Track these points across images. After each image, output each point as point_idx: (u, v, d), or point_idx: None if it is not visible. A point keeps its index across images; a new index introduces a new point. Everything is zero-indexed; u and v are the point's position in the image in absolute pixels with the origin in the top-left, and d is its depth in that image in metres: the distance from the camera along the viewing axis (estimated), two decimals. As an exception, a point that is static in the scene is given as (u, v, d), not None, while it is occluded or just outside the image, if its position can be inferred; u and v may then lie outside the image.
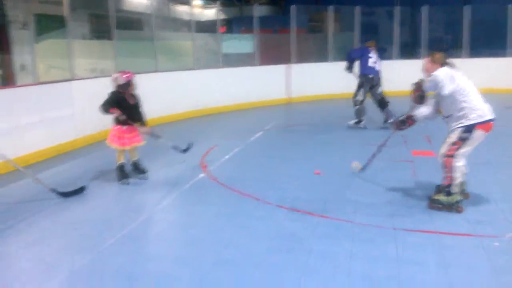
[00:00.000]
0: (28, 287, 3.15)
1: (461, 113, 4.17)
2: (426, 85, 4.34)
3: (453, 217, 4.22)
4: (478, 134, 4.16)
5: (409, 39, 15.51)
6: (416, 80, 4.47)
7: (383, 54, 10.38)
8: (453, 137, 4.23)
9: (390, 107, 8.51)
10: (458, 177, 4.25)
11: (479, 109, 4.16)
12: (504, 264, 3.36)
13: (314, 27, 16.09)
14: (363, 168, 5.39)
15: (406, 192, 4.94)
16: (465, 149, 4.21)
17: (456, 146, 4.20)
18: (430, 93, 4.41)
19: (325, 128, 8.93)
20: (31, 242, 3.91)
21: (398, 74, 12.60)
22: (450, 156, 4.22)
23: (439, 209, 4.32)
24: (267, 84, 11.82)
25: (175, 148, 5.92)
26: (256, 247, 3.70)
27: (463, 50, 13.31)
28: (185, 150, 6.02)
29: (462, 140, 4.18)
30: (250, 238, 3.90)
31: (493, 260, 3.40)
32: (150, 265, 3.50)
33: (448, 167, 4.25)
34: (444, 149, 4.28)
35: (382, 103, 8.59)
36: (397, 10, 13.47)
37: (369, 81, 8.49)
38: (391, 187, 5.05)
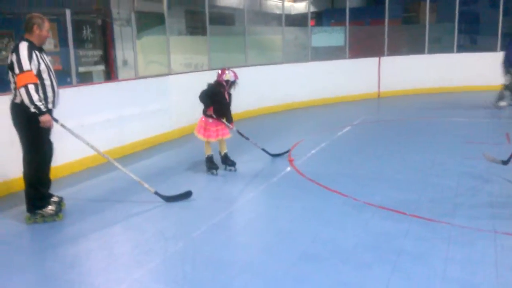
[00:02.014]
0: (124, 271, 3.35)
1: None
2: None
3: None
4: None
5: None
6: None
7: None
8: None
9: None
10: None
11: None
12: None
13: (409, 18, 15.40)
14: (507, 161, 4.89)
15: (507, 193, 4.59)
16: None
17: None
18: None
19: (416, 124, 8.55)
20: (127, 228, 4.18)
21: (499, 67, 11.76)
22: None
23: None
24: (356, 77, 11.55)
25: (264, 150, 6.06)
26: (343, 243, 3.65)
27: None
28: (278, 155, 6.15)
29: None
30: (337, 233, 3.86)
31: None
32: (238, 253, 3.60)
33: None
34: None
35: None
36: (502, -3, 12.45)
37: None
38: (492, 188, 4.71)
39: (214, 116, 5.49)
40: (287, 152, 6.29)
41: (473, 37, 14.18)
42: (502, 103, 8.74)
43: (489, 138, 6.78)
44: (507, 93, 8.65)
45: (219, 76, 5.55)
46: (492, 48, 12.36)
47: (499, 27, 12.32)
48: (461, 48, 12.53)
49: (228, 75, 5.50)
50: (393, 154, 6.37)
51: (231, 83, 5.53)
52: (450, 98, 11.38)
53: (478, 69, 11.90)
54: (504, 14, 12.38)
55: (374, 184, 5.08)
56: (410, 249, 3.52)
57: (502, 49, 12.34)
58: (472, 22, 14.09)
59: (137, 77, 7.35)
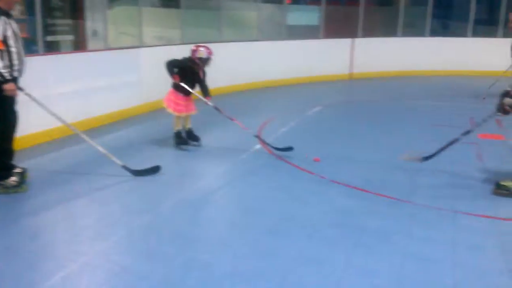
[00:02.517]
0: (87, 244, 3.32)
1: None
2: None
3: (519, 204, 4.02)
4: None
5: (485, 16, 14.51)
6: None
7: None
8: None
9: None
10: None
11: None
12: None
13: (384, 0, 15.43)
14: (427, 158, 4.74)
15: (469, 175, 4.74)
16: None
17: None
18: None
19: (386, 106, 8.67)
20: (92, 201, 4.12)
21: (472, 54, 11.99)
22: None
23: (504, 195, 4.11)
24: (330, 58, 11.57)
25: (257, 137, 5.79)
26: (309, 220, 3.71)
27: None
28: (279, 149, 5.53)
29: None
30: (303, 210, 3.91)
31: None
32: (205, 229, 3.61)
33: None
34: None
35: None
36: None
37: None
38: (453, 170, 4.85)
39: (182, 84, 5.39)
40: (289, 149, 5.46)
41: (445, 22, 14.36)
42: None
43: (453, 122, 6.94)
44: None
45: (193, 52, 5.46)
46: (462, 34, 12.57)
47: (471, 13, 12.51)
48: (433, 33, 12.69)
49: (202, 52, 5.41)
50: (362, 134, 6.47)
51: (205, 60, 5.45)
52: (419, 81, 11.57)
53: (448, 54, 12.10)
54: (477, 1, 12.56)
55: (341, 163, 5.16)
56: (373, 226, 3.60)
57: (474, 35, 12.58)
58: (445, 7, 14.24)
59: (107, 48, 7.17)
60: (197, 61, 5.43)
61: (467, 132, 4.49)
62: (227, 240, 3.41)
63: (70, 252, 3.19)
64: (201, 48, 5.45)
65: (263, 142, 5.67)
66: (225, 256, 3.15)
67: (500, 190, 4.17)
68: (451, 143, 4.58)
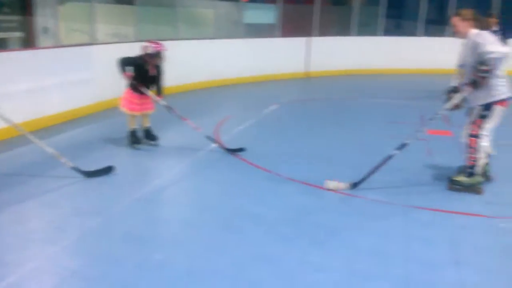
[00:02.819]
0: (37, 248, 3.21)
1: (488, 86, 4.00)
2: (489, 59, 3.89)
3: (466, 197, 4.18)
4: (497, 110, 4.08)
5: (436, 16, 15.02)
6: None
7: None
8: (474, 116, 4.15)
9: None
10: (482, 158, 4.18)
11: (502, 86, 4.05)
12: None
13: (339, -1, 15.70)
14: (357, 184, 4.34)
15: (420, 170, 4.89)
16: (487, 126, 4.12)
17: (477, 125, 4.12)
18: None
19: (342, 104, 8.83)
20: (42, 204, 3.98)
21: (424, 52, 12.36)
22: (474, 136, 4.13)
23: (458, 190, 4.25)
24: (286, 56, 11.64)
25: (209, 138, 5.68)
26: (264, 217, 3.73)
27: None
28: (231, 150, 5.50)
29: (483, 118, 4.10)
30: (259, 208, 3.92)
31: (501, 241, 3.36)
32: (159, 228, 3.56)
33: (472, 147, 4.16)
34: (468, 129, 4.19)
35: None
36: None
37: None
38: (405, 165, 4.99)
39: (134, 82, 5.30)
40: (241, 150, 5.47)
41: (398, 21, 14.76)
42: None
43: (406, 119, 7.15)
44: None
45: (142, 50, 5.36)
46: (414, 33, 12.96)
47: (422, 13, 12.91)
48: (386, 32, 13.02)
49: (148, 48, 5.29)
50: (318, 132, 6.55)
51: (153, 55, 5.33)
52: (373, 79, 11.84)
53: (401, 52, 12.44)
54: (428, 1, 12.98)
55: (297, 161, 5.21)
56: (327, 222, 3.66)
57: (424, 34, 12.99)
58: (398, 7, 14.63)
59: (58, 45, 6.95)
60: (146, 57, 5.33)
61: (402, 146, 4.37)
62: (182, 239, 3.38)
63: (19, 257, 3.07)
64: (148, 43, 5.34)
65: (216, 142, 5.66)
66: (180, 255, 3.13)
67: (454, 185, 4.30)
68: (383, 162, 4.34)
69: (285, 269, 2.98)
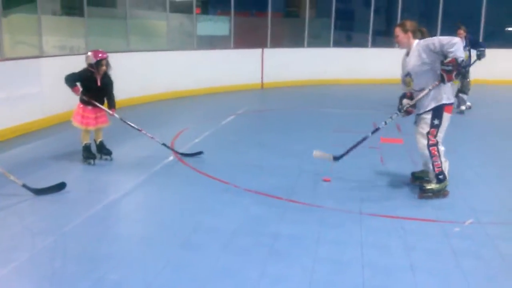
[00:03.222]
0: (-13, 269, 3.06)
1: (435, 90, 4.19)
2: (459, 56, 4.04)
3: (417, 203, 4.33)
4: (445, 117, 4.25)
5: (384, 27, 15.59)
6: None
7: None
8: (426, 127, 4.28)
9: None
10: (444, 161, 4.34)
11: (448, 91, 4.27)
12: (465, 248, 3.45)
13: (291, 12, 16.01)
14: (338, 158, 4.80)
15: (375, 178, 5.01)
16: (441, 134, 4.29)
17: (433, 135, 4.26)
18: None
19: (295, 114, 8.95)
20: (-9, 222, 3.80)
21: (372, 63, 12.76)
22: (433, 145, 4.27)
23: (429, 197, 4.36)
24: (241, 68, 11.70)
25: (165, 145, 5.70)
26: (222, 230, 3.70)
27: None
28: (188, 155, 5.65)
29: (436, 127, 4.25)
30: (217, 221, 3.89)
31: (454, 245, 3.48)
32: (115, 246, 3.46)
33: (435, 155, 4.28)
34: (425, 141, 4.29)
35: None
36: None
37: None
38: (360, 173, 5.11)
39: (86, 99, 5.17)
40: (199, 154, 5.65)
41: (348, 33, 15.21)
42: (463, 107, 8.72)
43: (356, 127, 7.31)
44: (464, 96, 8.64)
45: (85, 61, 5.23)
46: (364, 44, 13.37)
47: (370, 25, 13.35)
48: (337, 43, 13.36)
49: (89, 58, 5.15)
50: (273, 142, 6.60)
51: (96, 64, 5.17)
52: (325, 90, 12.08)
53: (351, 63, 12.78)
54: (375, 13, 13.44)
55: (254, 171, 5.22)
56: (286, 232, 3.68)
57: (372, 45, 13.42)
58: (347, 19, 15.08)
59: (3, 58, 6.68)
60: (91, 68, 5.20)
61: (375, 130, 4.69)
62: (138, 257, 3.29)
63: (-38, 282, 2.90)
64: (88, 53, 5.21)
65: (172, 150, 5.62)
66: (137, 274, 3.04)
67: (425, 193, 4.37)
68: (360, 141, 4.71)
69: (246, 282, 2.96)
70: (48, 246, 3.39)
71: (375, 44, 13.48)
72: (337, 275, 3.06)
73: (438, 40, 4.08)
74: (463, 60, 4.10)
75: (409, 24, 4.34)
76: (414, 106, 4.43)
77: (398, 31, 4.36)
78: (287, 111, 9.24)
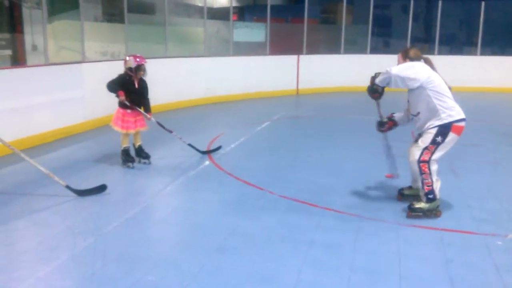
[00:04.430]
0: (27, 269, 3.16)
1: (432, 112, 3.98)
2: (379, 78, 4.24)
3: (457, 214, 4.21)
4: (450, 137, 3.98)
5: (423, 34, 15.33)
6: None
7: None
8: (426, 141, 4.04)
9: None
10: (436, 181, 4.10)
11: (451, 108, 3.97)
12: (507, 263, 3.34)
13: (327, 18, 15.96)
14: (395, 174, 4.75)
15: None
16: (439, 154, 4.03)
17: (429, 151, 4.01)
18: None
19: (332, 121, 8.90)
20: (33, 223, 3.93)
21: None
22: (424, 161, 4.02)
23: (419, 217, 4.07)
24: (276, 74, 11.73)
25: (190, 145, 5.89)
26: (257, 236, 3.71)
27: (477, 48, 13.16)
28: (208, 152, 6.06)
29: (436, 144, 3.99)
30: (252, 227, 3.90)
31: (495, 259, 3.38)
32: (152, 249, 3.52)
33: (425, 173, 4.03)
34: (417, 155, 4.06)
35: None
36: (411, 4, 13.25)
37: None
38: (398, 182, 5.01)
39: (128, 103, 5.30)
40: (217, 149, 6.18)
41: (385, 39, 15.02)
42: None
43: (396, 136, 7.18)
44: None
45: (124, 65, 5.38)
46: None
47: (408, 31, 13.14)
48: (374, 50, 13.21)
49: (129, 62, 5.29)
50: (309, 149, 6.57)
51: (136, 69, 5.32)
52: (361, 97, 11.93)
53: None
54: (414, 20, 13.22)
55: (289, 178, 5.21)
56: (321, 240, 3.65)
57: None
58: (385, 26, 14.90)
59: (48, 63, 6.93)
60: (129, 72, 5.34)
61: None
62: (175, 260, 3.34)
63: (9, 279, 3.01)
64: (128, 57, 5.36)
65: (197, 149, 5.86)
66: (173, 277, 3.09)
67: (414, 212, 4.10)
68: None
69: (281, 288, 2.96)
70: (88, 246, 3.48)
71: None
72: (373, 285, 3.02)
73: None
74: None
75: (412, 52, 4.24)
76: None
77: (399, 56, 4.32)
78: (322, 118, 9.20)
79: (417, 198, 4.22)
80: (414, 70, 4.01)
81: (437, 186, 4.12)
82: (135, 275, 3.07)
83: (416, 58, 4.19)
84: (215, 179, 5.17)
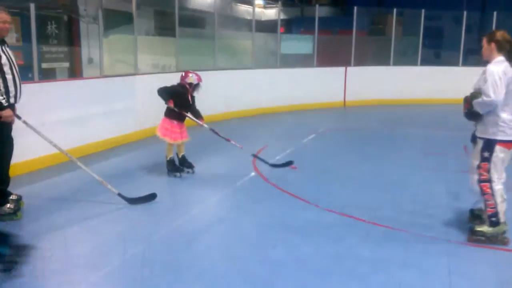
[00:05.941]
0: (79, 274, 3.29)
1: (489, 118, 3.69)
2: (481, 108, 3.70)
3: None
4: (499, 151, 3.67)
5: (476, 45, 14.82)
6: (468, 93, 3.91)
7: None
8: (477, 156, 3.80)
9: None
10: (500, 202, 3.72)
11: (506, 124, 3.65)
12: None
13: (376, 29, 15.76)
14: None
15: (465, 204, 4.74)
16: (496, 171, 3.70)
17: (483, 169, 3.72)
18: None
19: (380, 134, 8.74)
20: (85, 229, 4.08)
21: (463, 82, 12.15)
22: (485, 180, 3.71)
23: (481, 242, 3.76)
24: (323, 86, 11.67)
25: (257, 157, 6.00)
26: (302, 249, 3.69)
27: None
28: (278, 166, 6.03)
29: (486, 161, 3.70)
30: (296, 239, 3.89)
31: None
32: (199, 258, 3.58)
33: (487, 193, 3.70)
34: (475, 176, 3.81)
35: None
36: (465, 15, 12.86)
37: None
38: (448, 199, 4.87)
39: (176, 109, 5.45)
40: (288, 164, 6.01)
41: (436, 51, 14.64)
42: None
43: (448, 150, 7.00)
44: None
45: (182, 78, 5.56)
46: (454, 63, 12.78)
47: (461, 42, 12.74)
48: (425, 62, 12.89)
49: (192, 78, 5.52)
50: (356, 162, 6.49)
51: (195, 86, 5.53)
52: (412, 110, 11.69)
53: (440, 83, 12.26)
54: (467, 31, 12.82)
55: (336, 191, 5.17)
56: (367, 255, 3.59)
57: (463, 64, 12.78)
58: (436, 37, 14.53)
59: (103, 75, 7.23)
60: (187, 86, 5.51)
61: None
62: (220, 270, 3.38)
63: (61, 282, 3.15)
64: (191, 74, 5.55)
65: (261, 159, 5.85)
66: (219, 287, 3.12)
67: (476, 236, 3.81)
68: None
69: (326, 303, 2.93)
70: (137, 254, 3.58)
71: (466, 63, 12.81)
72: (422, 304, 2.93)
73: (487, 84, 3.62)
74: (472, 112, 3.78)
75: (498, 34, 3.75)
76: None
77: (484, 40, 3.87)
78: (370, 131, 9.06)
79: (482, 220, 3.93)
80: (500, 82, 3.61)
81: (501, 208, 3.74)
82: (182, 284, 3.14)
83: (504, 41, 3.74)
84: (260, 191, 5.20)
